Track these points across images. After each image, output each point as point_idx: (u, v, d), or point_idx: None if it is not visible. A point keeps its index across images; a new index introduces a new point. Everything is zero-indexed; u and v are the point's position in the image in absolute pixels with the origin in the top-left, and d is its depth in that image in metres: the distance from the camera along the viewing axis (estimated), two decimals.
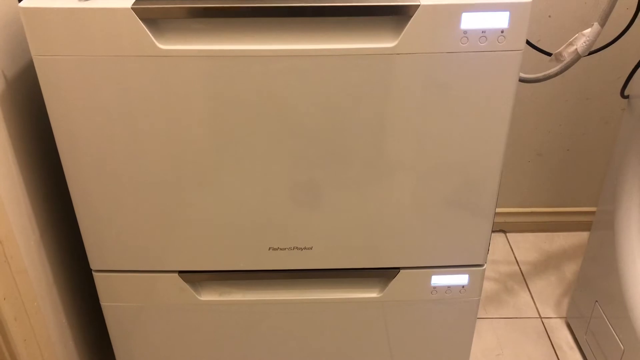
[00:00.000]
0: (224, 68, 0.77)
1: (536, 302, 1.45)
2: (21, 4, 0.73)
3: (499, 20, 0.75)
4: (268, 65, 0.77)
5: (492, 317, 1.41)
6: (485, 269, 0.98)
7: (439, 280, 0.98)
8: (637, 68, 1.05)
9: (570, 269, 1.55)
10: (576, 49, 0.94)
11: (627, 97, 1.10)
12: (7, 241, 0.80)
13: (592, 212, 1.26)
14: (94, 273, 0.96)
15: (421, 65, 0.77)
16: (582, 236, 1.64)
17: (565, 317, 1.40)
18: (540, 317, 1.41)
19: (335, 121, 0.82)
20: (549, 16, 1.34)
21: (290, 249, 0.93)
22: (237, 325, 1.03)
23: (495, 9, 0.74)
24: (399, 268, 0.97)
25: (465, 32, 0.75)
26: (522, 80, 0.97)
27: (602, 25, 0.92)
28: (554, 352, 1.32)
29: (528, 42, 0.86)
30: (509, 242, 1.65)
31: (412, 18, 0.74)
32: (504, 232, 1.68)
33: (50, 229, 0.97)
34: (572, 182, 1.61)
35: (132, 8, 0.73)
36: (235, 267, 0.95)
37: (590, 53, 0.95)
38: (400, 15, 0.74)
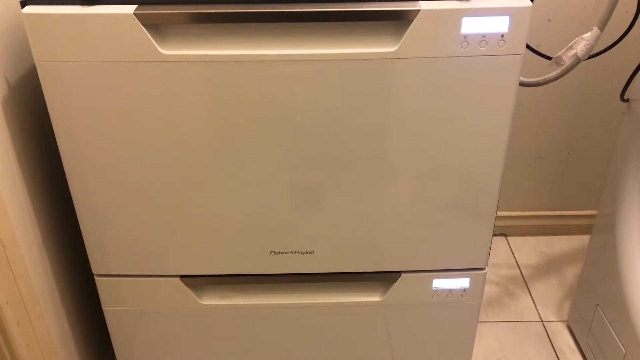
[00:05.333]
0: (226, 73, 0.77)
1: (537, 306, 1.45)
2: (24, 10, 0.74)
3: (499, 25, 0.75)
4: (269, 70, 0.77)
5: (494, 321, 1.41)
6: (486, 272, 0.98)
7: (441, 283, 0.98)
8: (637, 71, 1.05)
9: (571, 273, 1.55)
10: (576, 53, 0.95)
11: (627, 100, 1.10)
12: (9, 245, 0.81)
13: (593, 216, 1.26)
14: (95, 277, 0.96)
15: (422, 70, 0.78)
16: (583, 239, 1.64)
17: (567, 321, 1.40)
18: (542, 321, 1.41)
19: (337, 126, 0.82)
20: (549, 20, 1.34)
21: (291, 253, 0.93)
22: (238, 329, 1.03)
23: (495, 14, 0.74)
24: (400, 272, 0.97)
25: (465, 36, 0.75)
26: (522, 84, 0.97)
27: (602, 29, 0.92)
28: (555, 355, 1.32)
29: (528, 46, 0.86)
30: (509, 245, 1.65)
31: (412, 23, 0.74)
32: (505, 235, 1.68)
33: (52, 234, 0.97)
34: (572, 186, 1.61)
35: (134, 14, 0.73)
36: (237, 271, 0.95)
37: (590, 57, 0.95)
38: (400, 20, 0.75)
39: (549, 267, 1.58)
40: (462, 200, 0.90)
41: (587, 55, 0.94)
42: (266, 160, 0.84)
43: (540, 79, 1.01)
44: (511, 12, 0.74)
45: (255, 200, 0.88)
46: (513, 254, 1.62)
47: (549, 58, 1.01)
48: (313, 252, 0.93)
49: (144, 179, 0.86)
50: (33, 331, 0.88)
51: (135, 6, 0.74)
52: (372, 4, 0.74)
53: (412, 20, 0.74)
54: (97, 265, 0.95)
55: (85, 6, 0.74)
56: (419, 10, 0.74)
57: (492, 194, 0.90)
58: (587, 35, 0.94)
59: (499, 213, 1.59)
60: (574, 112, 1.49)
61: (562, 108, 1.48)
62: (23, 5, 0.74)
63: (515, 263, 1.59)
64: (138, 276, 0.96)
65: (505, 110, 0.82)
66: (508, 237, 1.68)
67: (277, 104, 0.80)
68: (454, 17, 0.74)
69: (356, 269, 0.96)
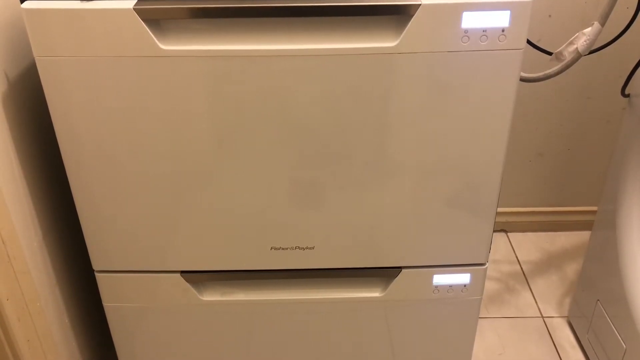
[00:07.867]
0: (225, 68, 0.77)
1: (538, 302, 1.45)
2: (23, 5, 0.74)
3: (500, 19, 0.75)
4: (270, 65, 0.77)
5: (494, 317, 1.41)
6: (487, 267, 0.98)
7: (441, 279, 0.98)
8: (638, 67, 1.05)
9: (571, 269, 1.55)
10: (577, 48, 0.95)
11: (627, 95, 1.10)
12: (10, 242, 0.81)
13: (594, 212, 1.26)
14: (96, 274, 0.96)
15: (422, 65, 0.78)
16: (583, 235, 1.64)
17: (567, 317, 1.40)
18: (542, 317, 1.41)
19: (337, 121, 0.82)
20: (550, 15, 1.34)
21: (292, 248, 0.93)
22: (239, 325, 1.03)
23: (496, 8, 0.74)
24: (400, 267, 0.97)
25: (466, 31, 0.75)
26: (522, 79, 0.97)
27: (603, 24, 0.92)
28: (556, 351, 1.32)
29: (528, 42, 0.86)
30: (510, 241, 1.65)
31: (413, 17, 0.74)
32: (506, 231, 1.68)
33: (52, 230, 0.97)
34: (573, 182, 1.61)
35: (134, 9, 0.73)
36: (238, 267, 0.95)
37: (591, 52, 0.95)
38: (401, 15, 0.75)
39: (549, 263, 1.58)
40: (462, 196, 0.90)
41: (588, 51, 0.94)
42: (266, 155, 0.84)
43: (540, 74, 1.00)
44: (512, 7, 0.74)
45: (256, 195, 0.88)
46: (513, 250, 1.62)
47: (550, 53, 1.01)
48: (313, 248, 0.93)
49: (144, 174, 0.86)
50: (34, 327, 0.88)
51: (135, 1, 0.74)
52: None
53: (413, 15, 0.74)
54: (97, 261, 0.95)
55: (85, 1, 0.74)
56: (420, 4, 0.74)
57: (493, 190, 0.90)
58: (587, 30, 0.93)
59: (500, 209, 1.59)
60: (575, 108, 1.48)
61: (563, 104, 1.48)
62: (22, 0, 0.74)
63: (516, 259, 1.59)
64: (138, 272, 0.96)
65: (506, 105, 0.82)
66: (508, 233, 1.68)
67: (276, 99, 0.80)
68: (455, 11, 0.74)
69: (357, 264, 0.96)
